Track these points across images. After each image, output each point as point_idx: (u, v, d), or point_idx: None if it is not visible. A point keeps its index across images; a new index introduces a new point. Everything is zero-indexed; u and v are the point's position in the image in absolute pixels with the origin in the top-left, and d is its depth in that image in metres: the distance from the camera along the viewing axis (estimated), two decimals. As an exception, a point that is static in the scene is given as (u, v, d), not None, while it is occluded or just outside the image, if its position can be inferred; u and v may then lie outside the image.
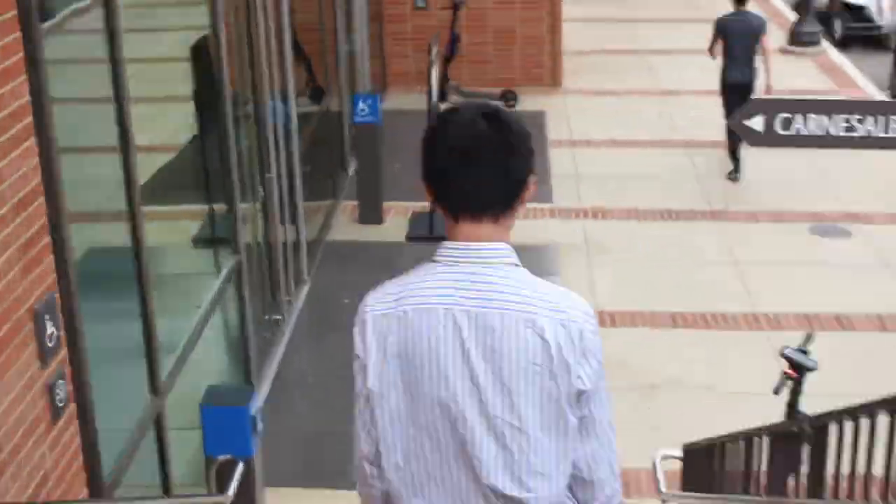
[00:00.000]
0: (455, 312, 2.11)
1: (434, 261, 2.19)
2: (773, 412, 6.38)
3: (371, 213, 9.31)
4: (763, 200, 9.84)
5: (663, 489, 4.31)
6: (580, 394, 2.13)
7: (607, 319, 7.68)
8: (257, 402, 4.49)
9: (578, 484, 2.22)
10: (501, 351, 2.09)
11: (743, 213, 9.64)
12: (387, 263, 8.61)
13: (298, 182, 7.91)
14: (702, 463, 4.21)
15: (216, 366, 6.30)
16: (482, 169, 2.12)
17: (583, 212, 9.66)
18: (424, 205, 9.19)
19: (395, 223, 9.36)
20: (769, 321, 7.68)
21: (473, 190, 2.13)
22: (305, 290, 8.10)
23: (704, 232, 9.32)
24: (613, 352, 7.17)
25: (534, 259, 7.27)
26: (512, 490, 2.12)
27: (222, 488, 4.04)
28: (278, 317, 7.21)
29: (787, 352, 4.83)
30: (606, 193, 10.05)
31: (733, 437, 3.81)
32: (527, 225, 9.41)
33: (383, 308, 2.17)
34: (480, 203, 2.15)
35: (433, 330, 2.11)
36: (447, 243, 2.19)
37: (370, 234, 9.20)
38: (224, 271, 6.00)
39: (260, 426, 4.44)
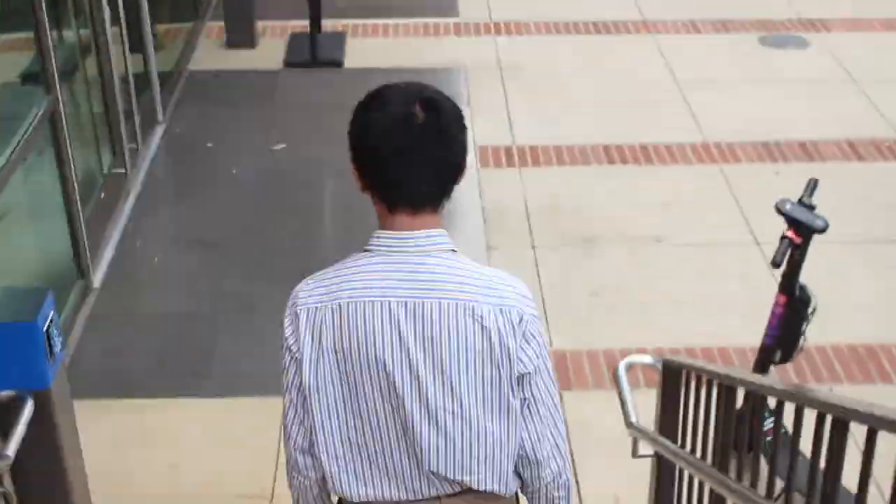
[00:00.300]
0: (391, 303, 2.04)
1: (367, 250, 2.10)
2: (744, 268, 5.34)
3: (241, 35, 7.67)
4: (704, 7, 8.47)
5: (634, 419, 3.08)
6: (522, 377, 2.11)
7: (528, 156, 6.39)
8: (52, 311, 3.08)
9: (523, 464, 2.19)
10: (441, 340, 2.04)
11: (681, 23, 8.28)
12: (261, 95, 7.14)
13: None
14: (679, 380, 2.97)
15: (28, 251, 4.87)
16: (422, 164, 2.01)
17: (493, 26, 8.17)
18: (305, 24, 7.64)
19: (270, 46, 7.75)
20: (722, 152, 6.44)
21: (413, 184, 2.03)
22: (159, 133, 6.56)
23: (637, 46, 7.95)
24: (538, 196, 6.03)
25: (441, 84, 5.88)
26: (456, 476, 2.12)
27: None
28: (121, 170, 5.70)
29: (787, 208, 3.52)
30: (520, 3, 8.60)
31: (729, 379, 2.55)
32: (430, 43, 7.97)
33: (315, 301, 2.08)
34: (420, 196, 2.05)
35: (369, 322, 2.04)
36: (381, 233, 2.09)
37: (241, 60, 7.58)
38: (30, 118, 4.48)
39: (59, 346, 3.07)
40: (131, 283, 5.27)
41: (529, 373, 2.09)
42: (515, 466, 2.17)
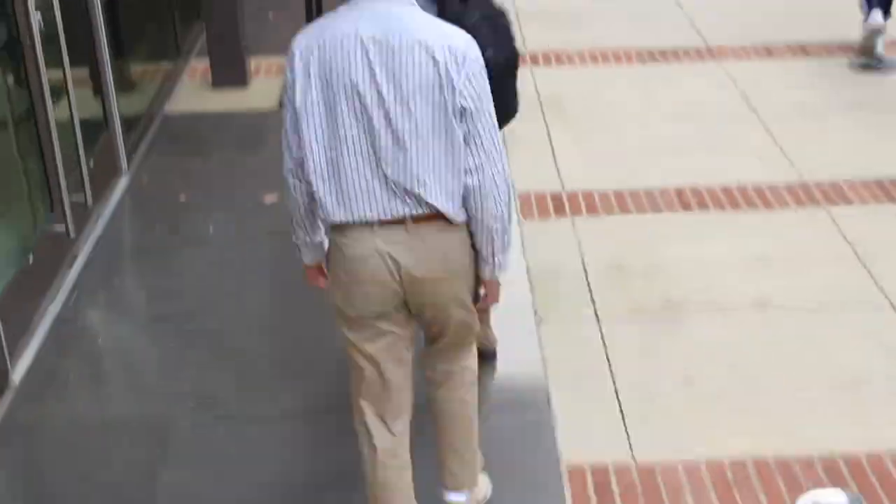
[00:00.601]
0: (363, 38, 2.48)
1: (346, 3, 2.57)
2: (881, 337, 4.01)
3: (229, 73, 6.43)
4: (775, 30, 7.23)
5: None
6: (464, 110, 2.50)
7: (583, 204, 5.10)
8: None
9: (468, 195, 2.58)
10: (400, 68, 2.47)
11: (751, 47, 7.01)
12: (250, 140, 5.87)
13: (100, 31, 5.11)
14: None
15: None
16: None
17: (530, 56, 6.87)
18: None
19: (263, 86, 6.48)
20: (826, 193, 5.10)
21: None
22: (122, 185, 5.29)
23: (701, 75, 6.69)
24: (599, 253, 4.68)
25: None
26: (411, 185, 2.52)
27: None
28: (60, 229, 4.41)
29: None
30: (557, 29, 7.42)
31: None
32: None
33: (305, 42, 2.55)
34: None
35: (346, 53, 2.48)
36: None
37: (229, 101, 6.32)
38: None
39: None
40: (62, 380, 3.91)
41: (470, 108, 2.51)
42: (463, 200, 2.59)
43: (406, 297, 2.65)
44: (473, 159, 2.54)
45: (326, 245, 2.76)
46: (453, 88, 2.47)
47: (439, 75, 2.46)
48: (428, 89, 2.47)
